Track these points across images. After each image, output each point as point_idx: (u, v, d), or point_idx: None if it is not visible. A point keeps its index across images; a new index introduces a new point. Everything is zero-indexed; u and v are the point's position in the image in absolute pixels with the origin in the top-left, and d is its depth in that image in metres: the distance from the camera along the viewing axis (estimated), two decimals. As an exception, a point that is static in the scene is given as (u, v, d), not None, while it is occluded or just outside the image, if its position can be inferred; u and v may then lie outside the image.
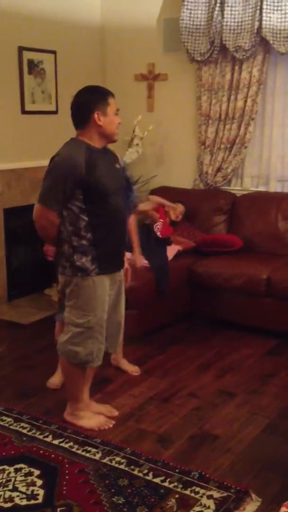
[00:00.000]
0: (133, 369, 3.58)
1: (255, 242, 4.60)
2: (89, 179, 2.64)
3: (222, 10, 4.53)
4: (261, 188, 4.95)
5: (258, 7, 4.38)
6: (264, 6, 4.34)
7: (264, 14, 4.35)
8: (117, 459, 2.64)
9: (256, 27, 4.42)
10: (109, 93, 2.77)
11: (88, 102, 2.70)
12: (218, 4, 4.53)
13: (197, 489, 2.45)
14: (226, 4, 4.50)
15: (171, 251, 4.33)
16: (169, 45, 5.01)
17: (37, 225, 2.79)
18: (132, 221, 3.49)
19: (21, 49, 4.54)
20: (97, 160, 2.69)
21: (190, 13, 4.66)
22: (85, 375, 2.96)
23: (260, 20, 4.39)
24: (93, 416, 2.98)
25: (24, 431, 2.89)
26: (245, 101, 4.68)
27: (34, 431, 2.89)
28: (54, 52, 4.81)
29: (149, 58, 5.14)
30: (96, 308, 2.78)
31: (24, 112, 4.64)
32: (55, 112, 4.85)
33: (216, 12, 4.54)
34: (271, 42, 4.41)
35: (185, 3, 4.65)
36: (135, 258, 3.68)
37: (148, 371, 3.57)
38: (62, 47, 4.88)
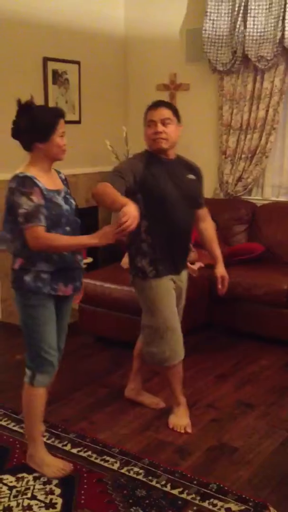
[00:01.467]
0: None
1: (276, 252, 4.58)
2: (145, 184, 2.80)
3: (244, 20, 4.55)
4: (282, 198, 4.93)
5: (281, 18, 4.39)
6: (287, 16, 4.34)
7: (286, 25, 4.35)
8: (135, 469, 2.65)
9: (278, 37, 4.42)
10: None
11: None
12: (240, 15, 4.54)
13: (215, 501, 2.44)
14: (248, 15, 4.51)
15: (196, 267, 4.32)
16: (191, 55, 5.03)
17: None
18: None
19: (45, 60, 4.60)
20: (158, 167, 2.85)
21: (213, 23, 4.68)
22: (174, 373, 3.08)
23: (283, 30, 4.39)
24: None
25: (44, 439, 2.91)
26: (267, 111, 4.68)
27: (53, 439, 2.91)
28: (78, 63, 4.87)
29: (172, 68, 5.17)
30: (161, 309, 2.93)
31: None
32: (79, 122, 4.88)
33: (238, 22, 4.56)
34: (294, 52, 4.40)
35: (208, 13, 4.68)
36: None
37: (166, 382, 3.57)
38: (86, 57, 4.94)
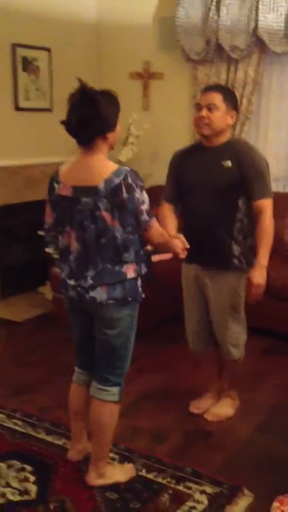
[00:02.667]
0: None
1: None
2: (177, 174, 2.92)
3: (218, 9, 4.54)
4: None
5: (254, 7, 4.39)
6: (260, 6, 4.35)
7: (260, 14, 4.36)
8: (111, 455, 2.63)
9: (252, 27, 4.43)
10: None
11: None
12: (214, 3, 4.53)
13: (190, 484, 2.45)
14: (222, 3, 4.50)
15: (169, 255, 4.32)
16: (164, 44, 5.01)
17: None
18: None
19: (14, 46, 4.53)
20: (193, 157, 2.87)
21: (186, 12, 4.67)
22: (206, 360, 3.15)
23: (256, 20, 4.40)
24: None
25: (17, 428, 2.89)
26: (241, 101, 4.69)
27: (27, 427, 2.89)
28: (48, 50, 4.81)
29: (145, 57, 5.14)
30: (184, 292, 3.01)
31: (17, 109, 4.64)
32: (50, 110, 4.84)
33: (212, 11, 4.55)
34: (267, 42, 4.42)
35: (181, 2, 4.66)
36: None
37: (144, 368, 3.56)
38: (57, 44, 4.87)
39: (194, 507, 2.32)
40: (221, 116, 2.75)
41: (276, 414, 3.09)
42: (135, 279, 2.31)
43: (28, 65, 4.65)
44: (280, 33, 4.37)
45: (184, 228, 2.92)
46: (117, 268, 2.26)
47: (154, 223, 2.30)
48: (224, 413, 3.04)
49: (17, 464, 2.58)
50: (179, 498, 2.37)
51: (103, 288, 2.26)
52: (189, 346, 3.10)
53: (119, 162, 4.90)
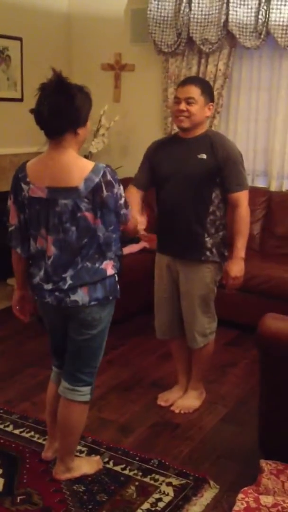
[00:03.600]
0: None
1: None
2: (152, 164, 2.95)
3: (189, 2, 4.54)
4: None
5: (225, 1, 4.41)
6: (231, 0, 4.37)
7: (230, 8, 4.38)
8: (78, 447, 2.65)
9: (222, 20, 4.45)
10: None
11: None
12: (185, -4, 4.54)
13: (157, 476, 2.49)
14: (193, -3, 4.51)
15: (137, 247, 4.35)
16: (136, 36, 4.99)
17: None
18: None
19: (-15, 35, 4.47)
20: (168, 147, 2.92)
21: (158, 4, 4.66)
22: (172, 349, 3.20)
23: (227, 14, 4.42)
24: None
25: (-15, 420, 2.88)
26: (211, 95, 4.71)
27: (-6, 420, 2.89)
28: (20, 39, 4.74)
29: (116, 48, 5.12)
30: (155, 281, 3.05)
31: (-12, 98, 4.58)
32: (21, 100, 4.78)
33: (183, 4, 4.55)
34: (237, 36, 4.44)
35: (153, -6, 4.65)
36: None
37: (111, 361, 3.59)
38: (29, 34, 4.81)
39: (160, 499, 2.35)
40: (199, 108, 2.80)
41: (240, 405, 3.15)
42: (113, 275, 2.28)
43: (-2, 54, 4.59)
44: (250, 28, 4.41)
45: (157, 219, 2.99)
46: (97, 265, 2.22)
47: (131, 212, 2.33)
48: (191, 405, 3.09)
49: (-16, 457, 2.58)
50: (145, 490, 2.40)
51: (84, 290, 2.20)
52: (156, 335, 3.13)
53: (90, 154, 4.90)
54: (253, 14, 4.38)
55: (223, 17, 4.44)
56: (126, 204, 2.26)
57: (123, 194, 2.24)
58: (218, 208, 2.86)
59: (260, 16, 4.35)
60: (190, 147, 2.84)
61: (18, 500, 2.32)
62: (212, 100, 2.89)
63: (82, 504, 2.31)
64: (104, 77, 5.18)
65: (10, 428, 2.82)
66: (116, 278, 2.31)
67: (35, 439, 2.74)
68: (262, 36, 4.39)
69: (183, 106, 2.79)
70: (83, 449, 2.66)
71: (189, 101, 2.78)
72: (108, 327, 2.37)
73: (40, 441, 2.72)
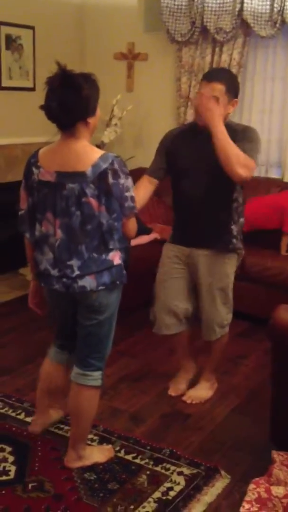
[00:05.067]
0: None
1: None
2: (168, 156, 2.89)
3: (204, -10, 4.50)
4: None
5: (240, -11, 4.37)
6: (246, -12, 4.33)
7: (245, -3, 4.34)
8: (90, 436, 2.66)
9: (237, 9, 4.40)
10: None
11: None
12: (200, -15, 4.50)
13: (168, 466, 2.49)
14: (208, -15, 4.47)
15: (147, 238, 4.34)
16: (149, 25, 4.95)
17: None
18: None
19: (-2, 23, 4.45)
20: (188, 139, 2.84)
21: (172, -8, 4.62)
22: (174, 343, 3.18)
23: (242, 3, 4.37)
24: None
25: (-3, 408, 2.90)
26: (225, 84, 4.67)
27: (6, 408, 2.90)
28: (32, 28, 4.73)
29: (129, 37, 5.08)
30: (161, 271, 3.00)
31: (0, 88, 4.57)
32: (33, 89, 4.77)
33: (197, -7, 4.52)
34: (252, 25, 4.40)
35: (167, -18, 4.61)
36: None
37: (121, 352, 3.59)
38: (41, 23, 4.79)
39: (171, 488, 2.36)
40: (222, 107, 2.66)
41: (252, 396, 3.15)
42: (120, 264, 2.30)
43: (11, 43, 4.58)
44: (265, 16, 4.35)
45: (176, 210, 2.97)
46: (103, 256, 2.24)
47: (133, 216, 2.28)
48: (203, 396, 3.08)
49: (-5, 445, 2.60)
50: (156, 479, 2.41)
51: (91, 276, 2.24)
52: (159, 331, 3.03)
53: (102, 143, 4.88)
54: (268, 3, 4.32)
55: (238, 5, 4.39)
56: (132, 199, 2.26)
57: (130, 188, 2.23)
58: (239, 193, 2.85)
59: (275, 5, 4.29)
60: (210, 139, 2.69)
61: (29, 487, 2.33)
62: (236, 96, 2.77)
63: (93, 492, 2.31)
64: (117, 67, 5.15)
65: (21, 416, 2.84)
66: (123, 266, 2.32)
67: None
68: (277, 25, 4.33)
69: None
70: (95, 438, 2.67)
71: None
72: (115, 314, 2.39)
73: (51, 429, 2.73)
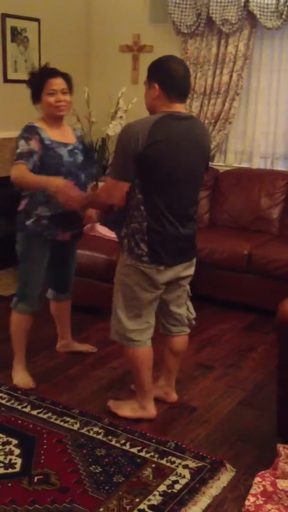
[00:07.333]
0: (88, 348, 3.51)
1: (237, 218, 4.62)
2: None
3: (209, -19, 4.47)
4: (244, 165, 4.94)
5: (246, -20, 4.33)
6: (252, -21, 4.29)
7: (251, -12, 4.30)
8: (95, 429, 2.67)
9: (243, 0, 4.37)
10: None
11: None
12: (205, -24, 4.46)
13: (173, 459, 2.49)
14: (213, -24, 4.43)
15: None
16: (155, 16, 4.92)
17: None
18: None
19: (4, 16, 4.43)
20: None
21: (177, -17, 4.58)
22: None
23: (248, -6, 4.34)
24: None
25: (3, 401, 2.90)
26: (231, 76, 4.65)
27: (12, 401, 2.91)
28: (38, 20, 4.71)
29: (135, 29, 5.05)
30: (142, 298, 2.70)
31: (6, 80, 4.55)
32: (38, 82, 4.75)
33: (203, -16, 4.48)
34: (258, 16, 4.36)
35: (173, -27, 4.57)
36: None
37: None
38: (46, 15, 4.77)
39: (176, 481, 2.36)
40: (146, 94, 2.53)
41: (258, 389, 3.14)
42: (23, 215, 2.98)
43: (17, 35, 4.56)
44: (271, 8, 4.32)
45: (155, 229, 2.51)
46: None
47: (16, 165, 2.79)
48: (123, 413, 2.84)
49: (2, 437, 2.60)
50: (162, 472, 2.41)
51: None
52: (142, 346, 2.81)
53: (107, 136, 4.87)
54: (274, -7, 4.29)
55: (244, -4, 4.36)
56: (16, 157, 2.85)
57: (20, 148, 2.83)
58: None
59: (281, -5, 4.26)
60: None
61: (35, 480, 2.34)
62: (155, 80, 2.51)
63: (99, 485, 2.32)
64: (122, 59, 5.12)
65: (27, 409, 2.84)
66: (20, 217, 2.98)
67: (52, 420, 2.75)
68: (283, 17, 4.31)
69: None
70: (100, 431, 2.67)
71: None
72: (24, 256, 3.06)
73: (57, 422, 2.74)
